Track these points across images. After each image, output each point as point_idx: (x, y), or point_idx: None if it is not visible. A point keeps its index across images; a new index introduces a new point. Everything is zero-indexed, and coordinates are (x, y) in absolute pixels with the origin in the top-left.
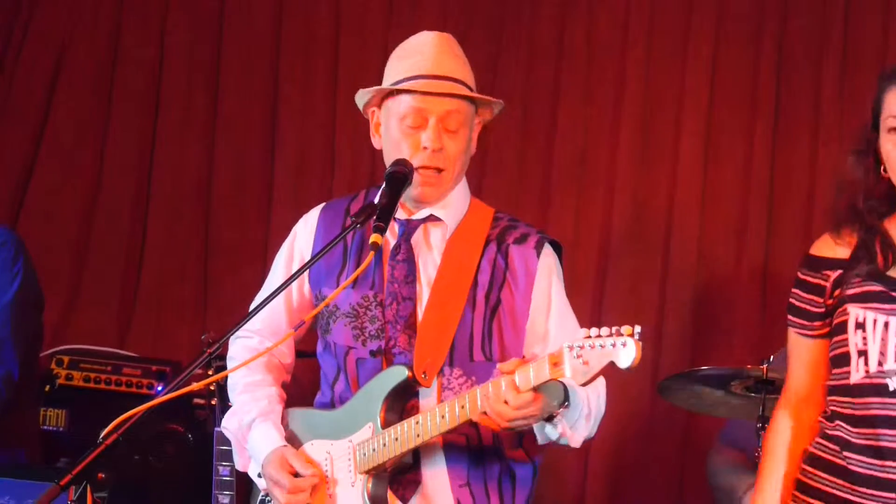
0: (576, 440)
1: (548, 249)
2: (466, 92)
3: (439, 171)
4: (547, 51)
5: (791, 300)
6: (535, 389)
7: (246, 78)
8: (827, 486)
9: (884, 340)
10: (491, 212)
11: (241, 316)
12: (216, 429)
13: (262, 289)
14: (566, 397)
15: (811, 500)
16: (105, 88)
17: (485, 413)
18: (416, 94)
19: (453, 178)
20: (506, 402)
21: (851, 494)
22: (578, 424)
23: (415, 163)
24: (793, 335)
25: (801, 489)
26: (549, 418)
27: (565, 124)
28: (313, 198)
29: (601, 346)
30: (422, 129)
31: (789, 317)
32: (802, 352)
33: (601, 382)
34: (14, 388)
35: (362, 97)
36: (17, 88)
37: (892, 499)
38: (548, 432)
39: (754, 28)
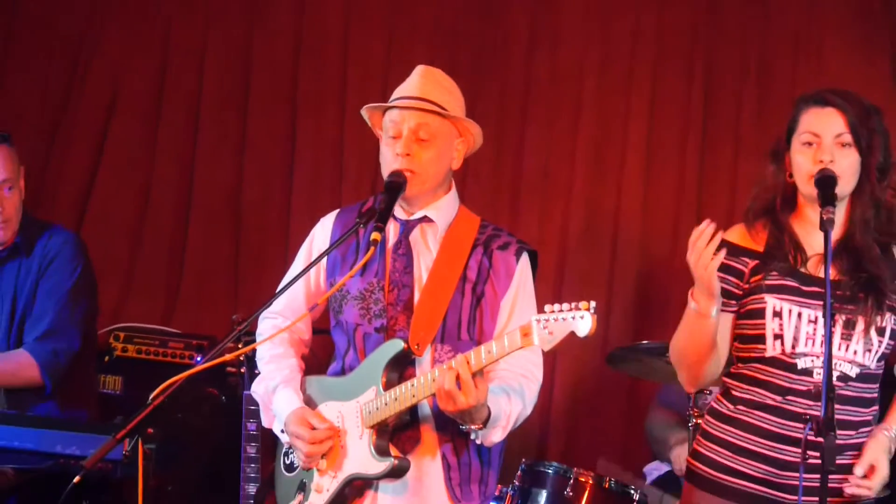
0: (489, 442)
1: (525, 256)
2: (433, 108)
3: (411, 172)
4: (517, 82)
5: None
6: (478, 375)
7: (269, 108)
8: (726, 435)
9: (797, 328)
10: (478, 220)
11: (266, 301)
12: (245, 392)
13: (284, 279)
14: (487, 419)
15: (712, 446)
16: (153, 116)
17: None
18: (393, 110)
19: (427, 180)
20: (456, 378)
21: (750, 444)
22: (493, 435)
23: (393, 167)
24: None
25: (703, 434)
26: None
27: (531, 143)
28: (325, 206)
29: (563, 318)
30: (398, 139)
31: None
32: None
33: (534, 387)
34: (75, 358)
35: (364, 115)
36: (81, 116)
37: (796, 451)
38: (470, 429)
39: (686, 62)
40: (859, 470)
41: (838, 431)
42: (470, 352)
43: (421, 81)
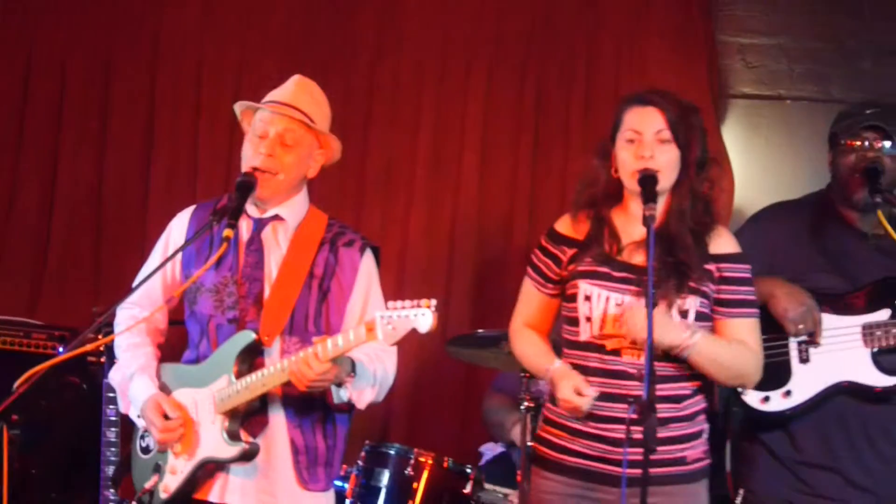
0: (362, 403)
1: (368, 252)
2: (301, 117)
3: (273, 173)
4: (361, 86)
5: (532, 257)
6: (332, 361)
7: (128, 108)
8: (563, 419)
9: (605, 311)
10: (325, 218)
11: (125, 292)
12: (105, 380)
13: (141, 271)
14: (353, 369)
15: (552, 430)
16: (18, 113)
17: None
18: (265, 111)
19: (286, 182)
20: (309, 367)
21: (582, 425)
22: (365, 392)
23: (253, 164)
24: (528, 284)
25: (545, 421)
26: (340, 384)
27: (375, 144)
28: (181, 202)
29: (405, 315)
30: (265, 139)
31: (528, 269)
32: (533, 300)
33: (391, 359)
34: None
35: (238, 109)
36: None
37: (607, 428)
38: (341, 394)
39: (519, 68)
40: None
41: (659, 405)
42: (318, 345)
43: (295, 90)
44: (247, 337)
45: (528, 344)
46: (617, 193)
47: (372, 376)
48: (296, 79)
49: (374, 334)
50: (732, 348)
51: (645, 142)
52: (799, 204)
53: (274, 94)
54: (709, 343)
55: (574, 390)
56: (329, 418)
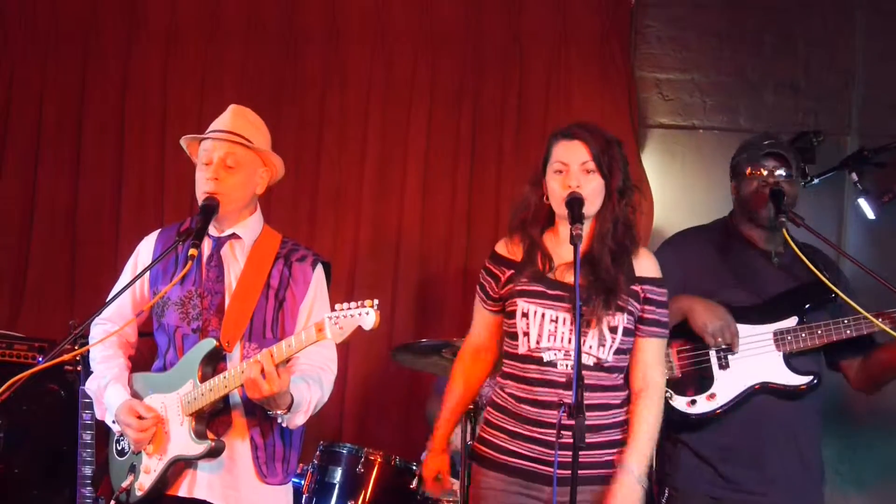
0: (293, 425)
1: (319, 267)
2: (238, 139)
3: (219, 195)
4: (312, 117)
5: (480, 279)
6: (278, 367)
7: (100, 138)
8: (503, 423)
9: (540, 326)
10: (279, 237)
11: (98, 308)
12: (81, 387)
13: (113, 289)
14: (291, 405)
15: (493, 432)
16: (0, 142)
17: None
18: (207, 140)
19: (233, 202)
20: (260, 381)
21: (519, 428)
22: (297, 418)
23: (205, 189)
24: (477, 302)
25: (487, 423)
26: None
27: (326, 170)
28: (150, 223)
29: (351, 315)
30: (210, 165)
31: (477, 289)
32: (482, 316)
33: (329, 379)
34: None
35: (183, 143)
36: None
37: (543, 432)
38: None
39: (456, 100)
40: None
41: (593, 412)
42: (272, 346)
43: (231, 117)
44: (209, 344)
45: (454, 384)
46: (547, 218)
47: (307, 403)
48: (231, 108)
49: (324, 333)
50: (650, 421)
51: (571, 172)
52: (706, 229)
53: (213, 124)
54: (644, 454)
55: (434, 477)
56: None
